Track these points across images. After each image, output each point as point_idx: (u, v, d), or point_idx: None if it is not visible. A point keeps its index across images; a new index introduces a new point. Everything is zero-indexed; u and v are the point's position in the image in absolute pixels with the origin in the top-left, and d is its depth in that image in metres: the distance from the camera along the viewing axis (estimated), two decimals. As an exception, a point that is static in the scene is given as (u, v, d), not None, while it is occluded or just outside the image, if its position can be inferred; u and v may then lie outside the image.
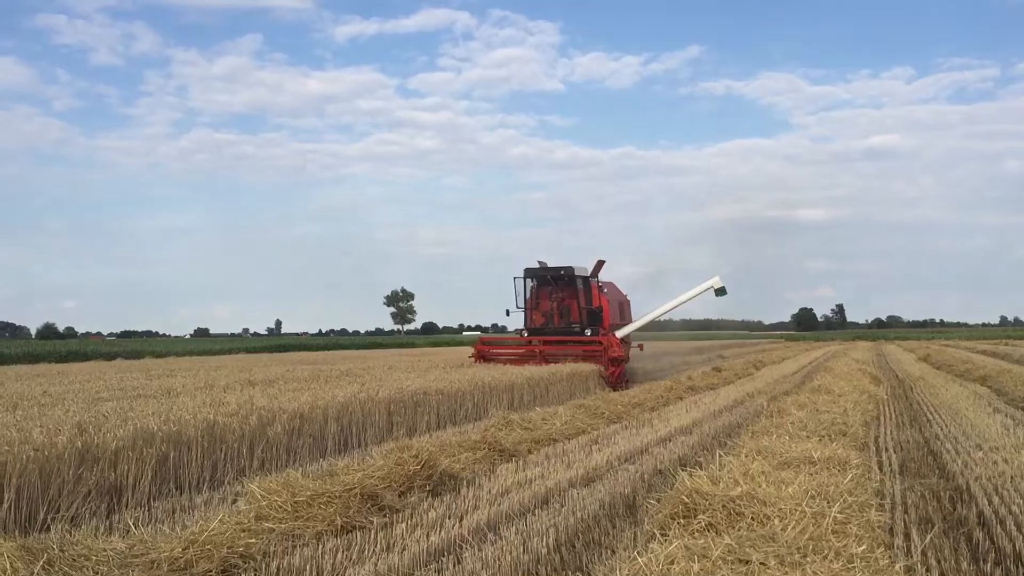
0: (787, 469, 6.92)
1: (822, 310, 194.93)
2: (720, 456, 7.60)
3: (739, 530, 5.10)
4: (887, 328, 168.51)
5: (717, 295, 23.21)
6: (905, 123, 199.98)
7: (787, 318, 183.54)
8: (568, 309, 23.53)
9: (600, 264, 23.75)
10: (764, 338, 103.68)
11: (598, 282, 23.94)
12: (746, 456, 7.45)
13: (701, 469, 6.82)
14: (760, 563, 4.39)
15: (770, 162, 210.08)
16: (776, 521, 5.19)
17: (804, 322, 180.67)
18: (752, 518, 5.35)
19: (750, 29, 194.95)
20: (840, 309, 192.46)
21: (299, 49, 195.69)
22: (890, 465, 9.54)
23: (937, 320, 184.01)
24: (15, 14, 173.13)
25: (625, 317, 25.88)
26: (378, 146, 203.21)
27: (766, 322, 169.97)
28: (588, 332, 22.58)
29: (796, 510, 5.32)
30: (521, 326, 24.01)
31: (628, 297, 27.08)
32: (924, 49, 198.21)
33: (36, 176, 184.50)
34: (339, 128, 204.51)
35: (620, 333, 23.54)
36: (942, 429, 12.48)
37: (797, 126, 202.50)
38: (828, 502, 5.58)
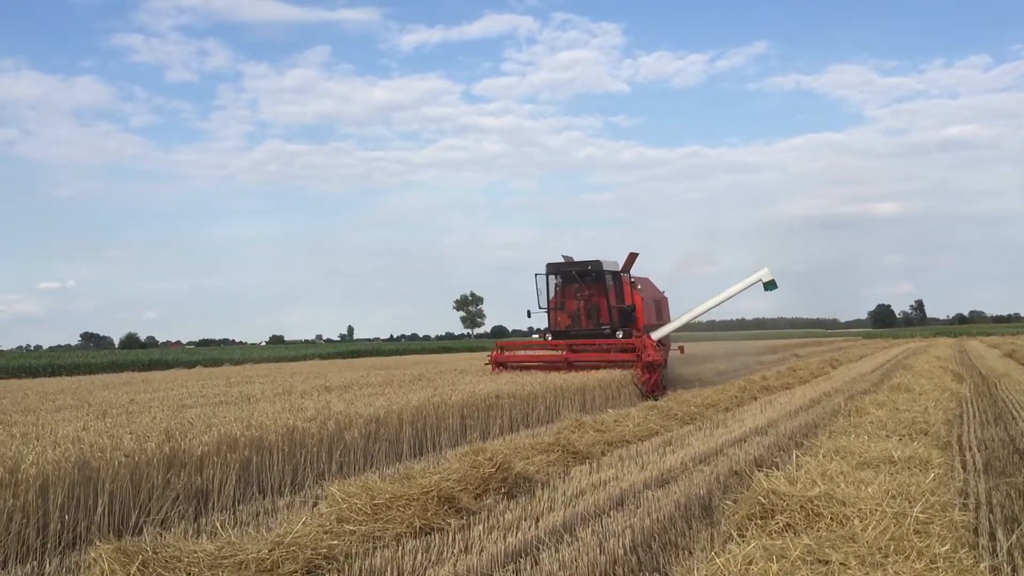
0: (866, 469, 6.82)
1: (900, 306, 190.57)
2: (797, 456, 7.53)
3: (818, 531, 5.07)
4: (969, 324, 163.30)
5: (766, 289, 20.32)
6: (983, 112, 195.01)
7: (864, 315, 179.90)
8: (597, 308, 21.25)
9: (633, 257, 21.55)
10: (840, 336, 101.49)
11: (630, 278, 21.77)
12: (824, 456, 7.36)
13: (778, 470, 6.76)
14: (840, 563, 4.36)
15: (842, 156, 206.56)
16: (856, 521, 5.13)
17: (882, 319, 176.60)
18: (831, 518, 5.30)
19: (818, 22, 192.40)
20: (919, 305, 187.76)
21: (366, 59, 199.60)
22: (974, 464, 9.31)
23: (1023, 314, 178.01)
24: (95, 35, 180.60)
25: (662, 316, 23.45)
26: (444, 152, 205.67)
27: (842, 320, 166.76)
28: (620, 334, 20.22)
29: (876, 510, 5.25)
30: (544, 328, 21.74)
31: (666, 294, 24.79)
32: (1001, 36, 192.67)
33: (116, 191, 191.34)
34: (406, 135, 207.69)
35: (656, 334, 20.77)
36: (1029, 427, 12.12)
37: (869, 119, 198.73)
38: (909, 502, 5.50)
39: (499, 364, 20.58)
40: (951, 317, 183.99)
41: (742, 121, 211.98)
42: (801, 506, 5.53)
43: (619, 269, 21.38)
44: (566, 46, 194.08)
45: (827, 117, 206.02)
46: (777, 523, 5.41)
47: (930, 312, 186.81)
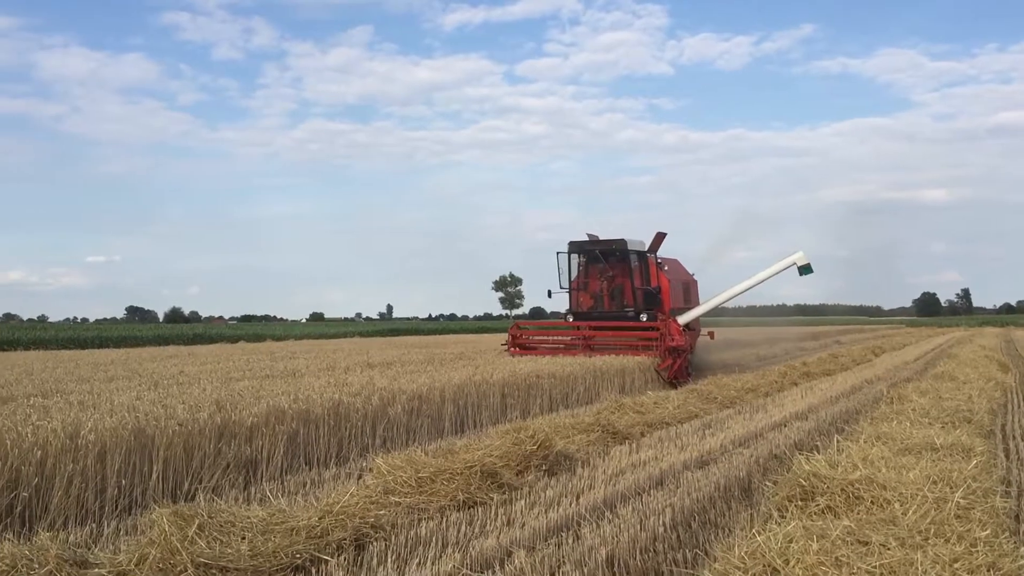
0: (908, 455, 6.83)
1: (946, 295, 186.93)
2: (838, 441, 7.56)
3: (858, 513, 5.12)
4: (1018, 313, 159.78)
5: (801, 273, 18.90)
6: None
7: (908, 303, 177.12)
8: (620, 290, 20.28)
9: (660, 237, 20.53)
10: (883, 324, 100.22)
11: (657, 258, 20.82)
12: (865, 441, 7.37)
13: (818, 453, 6.80)
14: (880, 545, 4.41)
15: (889, 141, 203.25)
16: (896, 505, 5.17)
17: (926, 307, 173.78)
18: (872, 502, 5.35)
19: (866, 5, 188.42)
20: (966, 294, 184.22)
21: (409, 39, 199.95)
22: (1017, 453, 9.25)
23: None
24: (143, 13, 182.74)
25: (691, 300, 22.51)
26: (485, 133, 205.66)
27: (886, 307, 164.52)
28: (643, 317, 19.26)
29: (917, 495, 5.28)
30: (566, 309, 20.81)
31: (695, 277, 23.81)
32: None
33: (163, 168, 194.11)
34: (447, 115, 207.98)
35: (683, 319, 19.58)
36: (1075, 418, 11.97)
37: (918, 104, 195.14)
38: (951, 488, 5.52)
39: (517, 346, 19.91)
40: (998, 307, 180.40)
41: (787, 104, 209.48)
42: (842, 489, 5.57)
43: (645, 249, 20.49)
44: (609, 27, 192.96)
45: (874, 101, 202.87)
46: (817, 505, 5.47)
47: (977, 301, 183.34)
